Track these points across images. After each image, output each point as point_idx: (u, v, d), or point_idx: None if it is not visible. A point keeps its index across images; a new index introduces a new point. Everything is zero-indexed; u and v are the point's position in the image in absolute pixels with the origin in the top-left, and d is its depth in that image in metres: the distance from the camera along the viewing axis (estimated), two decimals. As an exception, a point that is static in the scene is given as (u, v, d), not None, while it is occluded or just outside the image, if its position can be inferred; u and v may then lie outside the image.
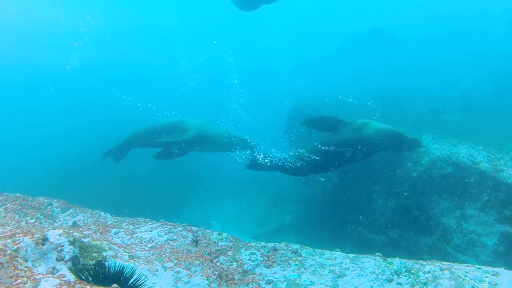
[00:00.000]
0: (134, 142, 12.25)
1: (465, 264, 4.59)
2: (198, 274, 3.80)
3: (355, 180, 11.97)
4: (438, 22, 36.08)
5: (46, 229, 3.77)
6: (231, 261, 4.20)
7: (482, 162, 9.69)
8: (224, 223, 14.09)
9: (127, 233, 4.65)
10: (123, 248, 4.17)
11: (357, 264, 4.39)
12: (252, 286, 3.84)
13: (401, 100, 16.29)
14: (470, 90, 17.79)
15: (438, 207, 10.21)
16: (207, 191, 18.62)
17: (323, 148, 9.62)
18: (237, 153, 11.92)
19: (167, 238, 4.45)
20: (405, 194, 10.86)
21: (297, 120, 16.03)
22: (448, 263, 4.58)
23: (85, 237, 4.07)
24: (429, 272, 4.27)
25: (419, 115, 13.49)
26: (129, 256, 3.99)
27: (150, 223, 5.17)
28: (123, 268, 3.32)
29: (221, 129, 11.83)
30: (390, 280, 4.10)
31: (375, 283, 4.03)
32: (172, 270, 3.80)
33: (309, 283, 3.89)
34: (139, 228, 4.89)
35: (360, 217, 11.74)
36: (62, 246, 3.44)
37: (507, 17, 28.76)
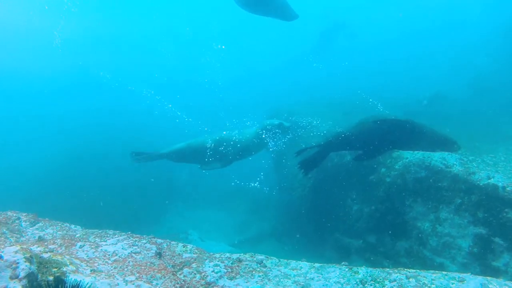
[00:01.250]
0: (170, 156, 12.54)
1: (432, 271, 4.59)
2: (159, 287, 3.76)
3: (330, 186, 12.05)
4: (416, 19, 36.46)
5: (2, 246, 3.70)
6: (195, 273, 4.15)
7: (454, 165, 9.78)
8: (204, 232, 14.05)
9: (92, 246, 4.59)
10: (85, 262, 4.10)
11: (322, 274, 4.37)
12: (214, 298, 3.82)
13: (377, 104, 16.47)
14: (443, 92, 18.04)
15: (412, 211, 10.28)
16: (187, 200, 18.57)
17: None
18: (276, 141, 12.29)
19: (131, 251, 4.40)
20: (380, 199, 10.97)
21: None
22: (414, 270, 4.59)
23: (46, 252, 4.00)
24: (395, 280, 4.26)
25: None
26: (90, 270, 3.92)
27: (117, 235, 5.11)
28: (82, 283, 3.27)
29: (248, 133, 11.97)
30: (355, 289, 4.10)
31: (339, 292, 4.03)
32: (133, 284, 3.75)
33: (272, 294, 3.88)
34: (105, 241, 4.82)
35: (337, 223, 11.83)
36: (18, 263, 3.36)
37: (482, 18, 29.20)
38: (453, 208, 9.44)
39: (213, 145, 11.78)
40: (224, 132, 12.15)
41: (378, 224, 10.90)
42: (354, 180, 11.64)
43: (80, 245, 4.61)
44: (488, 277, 4.46)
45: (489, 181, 8.96)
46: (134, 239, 4.72)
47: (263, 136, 11.79)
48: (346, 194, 11.74)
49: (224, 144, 11.77)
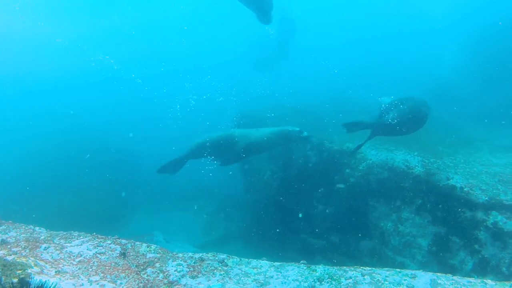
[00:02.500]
0: (193, 155, 12.48)
1: (386, 269, 4.80)
2: (123, 286, 3.87)
3: (295, 187, 12.25)
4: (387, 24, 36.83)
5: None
6: (158, 273, 4.27)
7: (416, 167, 10.14)
8: (170, 233, 14.06)
9: (57, 248, 4.64)
10: (50, 263, 4.17)
11: (281, 272, 4.55)
12: (176, 296, 3.96)
13: (344, 108, 16.79)
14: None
15: (376, 211, 10.60)
16: (153, 201, 18.49)
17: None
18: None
19: (96, 252, 4.48)
20: (344, 199, 11.23)
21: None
22: (370, 268, 4.80)
23: (10, 255, 4.06)
24: (351, 278, 4.48)
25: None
26: (55, 272, 4.00)
27: (82, 237, 5.17)
28: (46, 284, 3.35)
29: (265, 130, 11.88)
30: (312, 287, 4.29)
31: (297, 290, 4.23)
32: (97, 284, 3.85)
33: (232, 292, 4.05)
34: (70, 243, 4.88)
35: (301, 223, 12.03)
36: (-21, 267, 3.43)
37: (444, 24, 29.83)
38: (414, 208, 9.80)
39: (232, 140, 11.78)
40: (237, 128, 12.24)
41: (342, 224, 11.16)
42: (319, 181, 11.85)
43: (45, 247, 4.65)
44: (437, 273, 4.72)
45: (448, 182, 9.33)
46: (99, 240, 4.80)
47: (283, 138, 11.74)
48: (311, 195, 11.94)
49: (242, 140, 11.68)
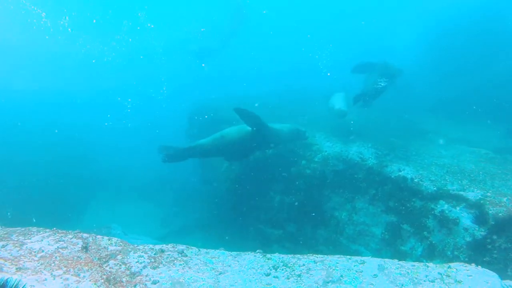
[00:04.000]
0: (201, 152, 11.72)
1: (338, 256, 5.07)
2: (86, 279, 3.99)
3: (253, 179, 12.46)
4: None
5: None
6: (120, 265, 4.41)
7: (370, 159, 10.54)
8: (128, 226, 14.00)
9: (16, 245, 4.66)
10: (10, 261, 4.20)
11: (238, 261, 4.79)
12: (139, 287, 4.10)
13: (299, 99, 17.14)
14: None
15: (331, 201, 10.96)
16: (110, 193, 18.35)
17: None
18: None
19: (57, 247, 4.56)
20: (300, 190, 11.53)
21: (198, 122, 16.38)
22: (322, 255, 5.09)
23: (-34, 255, 4.08)
24: (304, 265, 4.75)
25: (315, 114, 14.22)
26: (16, 269, 4.03)
27: (42, 232, 5.19)
28: (8, 281, 3.40)
29: (282, 126, 11.78)
30: (268, 274, 4.53)
31: (253, 277, 4.45)
32: (60, 278, 3.95)
33: (192, 280, 4.23)
34: (30, 239, 4.90)
35: (259, 214, 12.27)
36: None
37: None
38: (368, 198, 10.21)
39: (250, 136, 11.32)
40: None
41: (299, 214, 11.45)
42: (276, 173, 12.10)
43: (3, 245, 4.63)
44: (385, 259, 5.06)
45: (399, 173, 9.75)
46: (60, 235, 4.87)
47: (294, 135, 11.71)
48: (268, 186, 12.18)
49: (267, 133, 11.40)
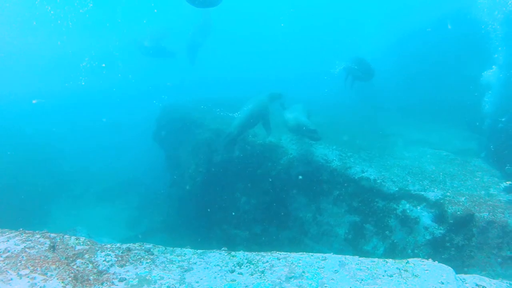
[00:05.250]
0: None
1: (300, 253, 5.24)
2: (54, 278, 4.05)
3: (219, 180, 12.56)
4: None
5: None
6: (87, 263, 4.48)
7: (334, 161, 10.76)
8: (93, 228, 13.87)
9: (-20, 246, 4.66)
10: (-26, 262, 4.22)
11: (204, 259, 4.93)
12: (106, 284, 4.19)
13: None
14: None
15: (296, 202, 11.14)
16: (75, 196, 18.12)
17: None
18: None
19: (24, 247, 4.58)
20: (266, 191, 11.70)
21: (166, 124, 16.39)
22: (285, 253, 5.24)
23: None
24: (267, 261, 4.92)
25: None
26: (-20, 270, 4.07)
27: (7, 233, 5.18)
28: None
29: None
30: (232, 271, 4.69)
31: (218, 274, 4.60)
32: (27, 277, 3.99)
33: (159, 278, 4.35)
34: (-5, 240, 4.92)
35: (225, 215, 12.38)
36: None
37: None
38: (331, 199, 10.41)
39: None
40: None
41: (264, 215, 11.59)
42: (242, 174, 12.22)
43: (-34, 246, 4.62)
44: (346, 256, 5.28)
45: (362, 174, 10.02)
46: (26, 235, 4.88)
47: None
48: (234, 187, 12.30)
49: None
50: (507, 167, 9.46)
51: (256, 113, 11.52)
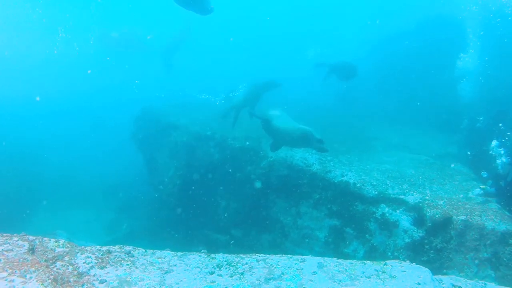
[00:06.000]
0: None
1: (279, 255, 5.31)
2: (33, 280, 4.04)
3: (200, 184, 12.56)
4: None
5: None
6: (67, 265, 4.48)
7: (314, 165, 10.87)
8: (73, 232, 13.77)
9: (-45, 250, 4.60)
10: None
11: (184, 261, 4.96)
12: (86, 286, 4.19)
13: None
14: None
15: (276, 206, 11.21)
16: (54, 200, 17.89)
17: None
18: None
19: (2, 249, 4.54)
20: (246, 195, 11.75)
21: (145, 126, 16.34)
22: (264, 255, 5.30)
23: None
24: (247, 263, 4.98)
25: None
26: (-45, 273, 4.02)
27: (-15, 236, 5.16)
28: None
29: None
30: (212, 273, 4.74)
31: (198, 275, 4.64)
32: (5, 280, 3.96)
33: (139, 279, 4.37)
34: (-29, 243, 4.86)
35: (205, 219, 12.39)
36: None
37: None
38: (312, 203, 10.51)
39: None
40: None
41: (244, 219, 11.65)
42: (222, 178, 12.25)
43: None
44: (325, 258, 5.36)
45: (342, 178, 10.16)
46: (4, 238, 4.85)
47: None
48: (214, 191, 12.32)
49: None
50: (482, 172, 9.69)
51: (255, 91, 12.36)
